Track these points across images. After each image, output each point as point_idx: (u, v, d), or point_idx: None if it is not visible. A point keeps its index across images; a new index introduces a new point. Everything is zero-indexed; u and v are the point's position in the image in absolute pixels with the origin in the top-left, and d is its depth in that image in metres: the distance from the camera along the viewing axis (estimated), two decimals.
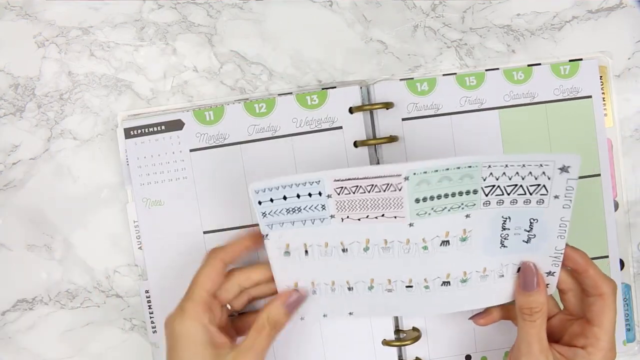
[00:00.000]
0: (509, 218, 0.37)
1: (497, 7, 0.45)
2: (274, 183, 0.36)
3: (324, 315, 0.40)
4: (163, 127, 0.43)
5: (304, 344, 0.44)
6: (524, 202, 0.36)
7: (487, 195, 0.36)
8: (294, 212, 0.37)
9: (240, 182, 0.43)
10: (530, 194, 0.36)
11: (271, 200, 0.36)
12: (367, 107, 0.42)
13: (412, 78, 0.44)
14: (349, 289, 0.39)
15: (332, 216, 0.37)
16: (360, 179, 0.35)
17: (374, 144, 0.43)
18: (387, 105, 0.43)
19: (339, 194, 0.36)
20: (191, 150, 0.43)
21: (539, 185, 0.35)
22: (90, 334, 0.45)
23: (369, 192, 0.35)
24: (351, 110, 0.43)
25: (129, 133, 0.43)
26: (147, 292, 0.44)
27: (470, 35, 0.45)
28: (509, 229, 0.37)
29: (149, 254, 0.44)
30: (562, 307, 0.40)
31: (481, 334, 0.44)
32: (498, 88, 0.43)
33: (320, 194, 0.36)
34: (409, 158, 0.43)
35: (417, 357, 0.44)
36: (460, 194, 0.35)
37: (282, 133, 0.43)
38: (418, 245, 0.37)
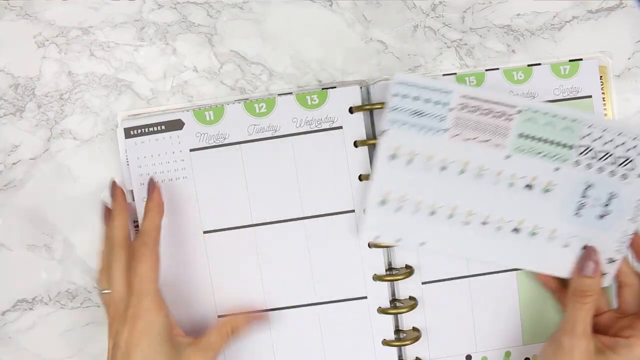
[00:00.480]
0: (592, 186, 0.39)
1: (497, 7, 0.45)
2: (416, 79, 0.39)
3: (397, 240, 0.41)
4: (163, 127, 0.43)
5: (304, 344, 0.44)
6: (610, 172, 0.39)
7: (579, 155, 0.39)
8: (417, 115, 0.39)
9: (240, 182, 0.43)
10: (618, 165, 0.39)
11: (404, 96, 0.39)
12: (367, 107, 0.42)
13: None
14: (432, 213, 0.40)
15: (445, 130, 0.40)
16: (483, 100, 0.39)
17: (374, 144, 0.43)
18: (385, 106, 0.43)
19: (460, 110, 0.39)
20: (191, 150, 0.43)
21: (627, 159, 0.38)
22: (90, 334, 0.45)
23: (485, 115, 0.39)
24: (351, 110, 0.43)
25: (129, 133, 0.43)
26: None
27: (470, 35, 0.45)
28: (587, 198, 0.39)
29: None
30: (614, 305, 0.41)
31: (481, 334, 0.44)
32: (498, 88, 0.43)
33: (445, 104, 0.39)
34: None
35: (417, 357, 0.44)
36: (558, 144, 0.39)
37: (283, 133, 0.43)
38: (506, 179, 0.40)
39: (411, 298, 0.44)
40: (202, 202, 0.43)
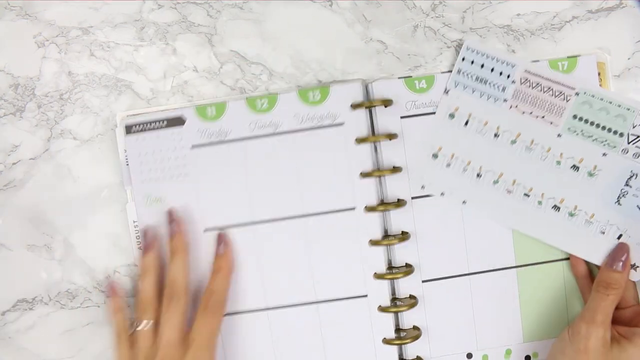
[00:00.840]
0: (636, 176, 0.41)
1: (497, 7, 0.45)
2: (485, 48, 0.42)
3: (442, 194, 0.43)
4: (165, 123, 0.43)
5: (304, 342, 0.44)
6: None
7: (629, 143, 0.41)
8: (480, 81, 0.42)
9: (241, 178, 0.43)
10: None
11: (472, 62, 0.42)
12: (366, 104, 0.42)
13: (411, 76, 0.44)
14: (478, 175, 0.42)
15: (505, 100, 0.42)
16: (545, 78, 0.41)
17: (374, 141, 0.43)
18: (386, 103, 0.43)
19: (521, 84, 0.41)
20: (193, 147, 0.43)
21: None
22: (90, 334, 0.45)
23: (544, 92, 0.41)
24: (353, 108, 0.43)
25: (129, 129, 0.43)
26: None
27: (470, 35, 0.45)
28: (630, 187, 0.41)
29: None
30: None
31: (482, 332, 0.44)
32: None
33: (508, 76, 0.42)
34: (408, 156, 0.43)
35: (418, 356, 0.44)
36: (609, 130, 0.41)
37: (284, 129, 0.43)
38: (554, 157, 0.41)
39: (411, 297, 0.44)
40: (202, 200, 0.43)
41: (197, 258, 0.43)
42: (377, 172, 0.43)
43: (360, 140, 0.43)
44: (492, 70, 0.42)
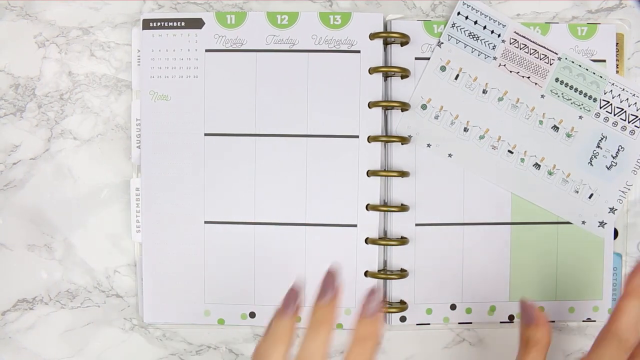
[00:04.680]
0: (605, 138, 0.44)
1: (497, 7, 0.45)
2: (479, 5, 0.43)
3: (428, 145, 0.44)
4: (183, 24, 0.44)
5: (287, 263, 0.44)
6: (622, 127, 0.44)
7: (600, 108, 0.43)
8: (472, 37, 0.43)
9: (249, 89, 0.43)
10: (629, 122, 0.44)
11: (466, 17, 0.43)
12: (384, 34, 0.43)
13: (430, 20, 0.44)
14: (465, 129, 0.44)
15: (494, 58, 0.43)
16: (532, 41, 0.43)
17: (386, 71, 0.43)
18: (403, 40, 0.43)
19: (510, 44, 0.43)
20: (207, 51, 0.44)
21: (637, 117, 0.44)
22: (90, 334, 0.45)
23: (530, 54, 0.43)
24: (371, 38, 0.43)
25: (147, 24, 0.44)
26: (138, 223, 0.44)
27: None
28: (600, 149, 0.44)
29: (146, 180, 0.44)
30: None
31: (468, 285, 0.44)
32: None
33: (499, 35, 0.43)
34: (418, 95, 0.44)
35: (401, 300, 0.44)
36: (585, 95, 0.43)
37: (300, 47, 0.43)
38: (538, 117, 0.44)
39: (402, 238, 0.44)
40: (208, 102, 0.44)
41: (196, 162, 0.44)
42: (385, 102, 0.43)
43: (373, 70, 0.43)
44: (485, 27, 0.43)
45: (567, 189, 0.44)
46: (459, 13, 0.43)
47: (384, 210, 0.43)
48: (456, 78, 0.43)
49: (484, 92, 0.43)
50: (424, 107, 0.44)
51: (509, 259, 0.44)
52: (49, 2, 0.45)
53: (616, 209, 0.44)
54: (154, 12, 0.45)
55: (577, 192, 0.44)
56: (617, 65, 0.44)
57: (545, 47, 0.43)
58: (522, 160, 0.44)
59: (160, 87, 0.44)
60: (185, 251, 0.44)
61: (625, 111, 0.44)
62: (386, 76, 0.44)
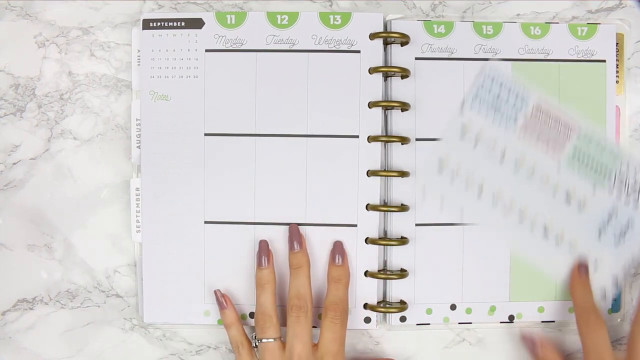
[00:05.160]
0: (616, 213, 0.43)
1: (497, 7, 0.45)
2: (504, 77, 0.43)
3: (440, 203, 0.43)
4: (183, 24, 0.44)
5: (287, 262, 0.43)
6: (633, 205, 0.44)
7: (613, 184, 0.43)
8: (494, 107, 0.43)
9: (249, 89, 0.44)
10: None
11: (493, 79, 0.43)
12: (384, 34, 0.43)
13: (430, 20, 0.44)
14: (479, 192, 0.43)
15: (515, 129, 0.43)
16: (553, 113, 0.43)
17: (386, 71, 0.43)
18: (404, 39, 0.43)
19: (532, 113, 0.43)
20: (207, 51, 0.44)
21: None
22: (90, 334, 0.45)
23: (551, 126, 0.43)
24: (371, 38, 0.43)
25: (147, 24, 0.44)
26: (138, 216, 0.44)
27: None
28: (610, 223, 0.43)
29: (146, 180, 0.44)
30: None
31: (469, 285, 0.44)
32: (514, 40, 0.44)
33: (521, 107, 0.43)
34: (418, 97, 0.44)
35: (401, 300, 0.44)
36: (600, 170, 0.43)
37: (300, 47, 0.43)
38: (552, 187, 0.43)
39: (402, 237, 0.44)
40: (208, 103, 0.44)
41: (196, 162, 0.44)
42: (385, 102, 0.43)
43: (373, 70, 0.43)
44: (510, 92, 0.43)
45: (572, 258, 0.44)
46: (487, 74, 0.43)
47: (384, 210, 0.43)
48: (475, 145, 0.43)
49: (503, 157, 0.43)
50: (440, 164, 0.43)
51: (509, 259, 0.44)
52: (49, 2, 0.45)
53: (619, 284, 0.44)
54: (154, 12, 0.45)
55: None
56: (617, 65, 0.44)
57: (566, 121, 0.43)
58: (532, 227, 0.44)
59: (160, 87, 0.44)
60: (185, 251, 0.44)
61: (637, 190, 0.44)
62: (386, 76, 0.44)
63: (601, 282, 0.44)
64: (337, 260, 0.42)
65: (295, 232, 0.43)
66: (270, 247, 0.43)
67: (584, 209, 0.43)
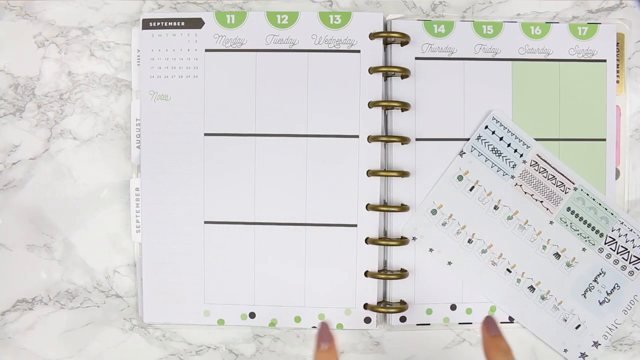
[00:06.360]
0: (604, 273, 0.44)
1: (497, 7, 0.45)
2: (508, 123, 0.43)
3: (430, 248, 0.44)
4: (182, 24, 0.44)
5: (287, 262, 0.44)
6: (622, 266, 0.44)
7: (605, 244, 0.44)
8: (494, 152, 0.43)
9: (249, 89, 0.44)
10: (630, 262, 0.44)
11: (493, 132, 0.43)
12: (384, 34, 0.43)
13: (430, 20, 0.44)
14: (469, 241, 0.44)
15: (512, 177, 0.43)
16: (552, 167, 0.43)
17: (386, 71, 0.43)
18: (403, 40, 0.43)
19: (530, 165, 0.43)
20: (207, 51, 0.44)
21: (639, 259, 0.44)
22: (90, 334, 0.45)
23: (548, 180, 0.43)
24: (371, 38, 0.43)
25: (147, 24, 0.44)
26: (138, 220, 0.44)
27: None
28: (597, 283, 0.44)
29: (146, 180, 0.44)
30: None
31: (468, 285, 0.44)
32: (514, 40, 0.44)
33: (521, 155, 0.43)
34: (418, 97, 0.44)
35: (401, 300, 0.44)
36: (593, 228, 0.44)
37: (300, 47, 0.43)
38: (542, 242, 0.44)
39: (403, 238, 0.44)
40: (208, 103, 0.44)
41: (194, 161, 0.43)
42: (385, 102, 0.43)
43: (373, 70, 0.43)
44: (509, 145, 0.43)
45: (556, 315, 0.44)
46: (486, 127, 0.43)
47: (384, 210, 0.43)
48: (471, 190, 0.44)
49: (496, 208, 0.44)
50: (434, 212, 0.44)
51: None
52: (49, 1, 0.45)
53: (600, 344, 0.44)
54: (154, 12, 0.45)
55: (565, 320, 0.44)
56: (618, 65, 0.44)
57: (564, 176, 0.44)
58: (519, 280, 0.44)
59: (160, 87, 0.44)
60: (185, 251, 0.44)
61: (628, 251, 0.44)
62: (386, 76, 0.44)
63: (580, 343, 0.44)
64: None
65: (324, 331, 0.37)
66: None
67: (571, 267, 0.44)
